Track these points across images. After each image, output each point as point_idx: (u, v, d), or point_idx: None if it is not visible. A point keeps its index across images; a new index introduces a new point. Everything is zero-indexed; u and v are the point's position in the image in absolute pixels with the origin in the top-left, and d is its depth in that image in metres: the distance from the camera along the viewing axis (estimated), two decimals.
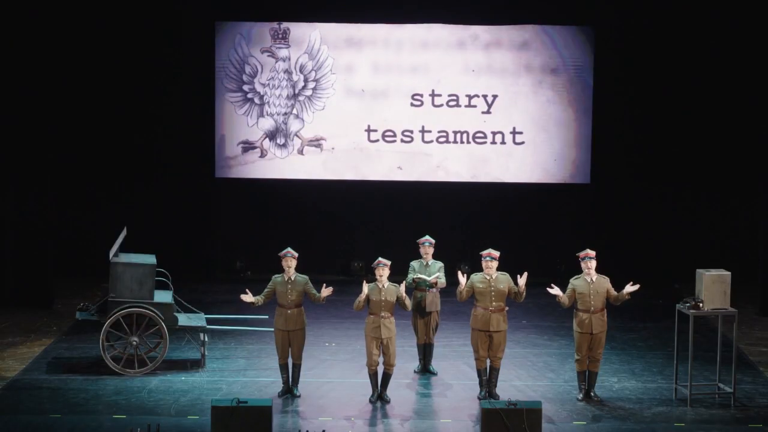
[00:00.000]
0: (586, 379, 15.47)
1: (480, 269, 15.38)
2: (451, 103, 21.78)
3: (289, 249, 15.64)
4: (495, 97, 21.74)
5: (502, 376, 15.68)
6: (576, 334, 15.38)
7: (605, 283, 15.35)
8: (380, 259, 15.35)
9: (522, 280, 15.19)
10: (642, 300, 20.27)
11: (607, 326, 15.42)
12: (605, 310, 15.35)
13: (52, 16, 20.20)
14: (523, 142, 21.80)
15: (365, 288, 15.11)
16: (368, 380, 15.40)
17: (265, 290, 15.65)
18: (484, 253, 15.33)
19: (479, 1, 21.53)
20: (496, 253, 15.31)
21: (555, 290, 15.31)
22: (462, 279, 15.21)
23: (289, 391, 15.52)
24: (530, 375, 16.54)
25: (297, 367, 15.58)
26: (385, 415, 14.85)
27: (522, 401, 13.43)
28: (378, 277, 15.21)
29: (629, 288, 15.21)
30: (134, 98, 21.57)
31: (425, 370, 16.52)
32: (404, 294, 15.21)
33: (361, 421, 14.62)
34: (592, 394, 15.45)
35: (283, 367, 15.57)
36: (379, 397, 15.31)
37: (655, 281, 21.13)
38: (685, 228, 21.98)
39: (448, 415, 14.88)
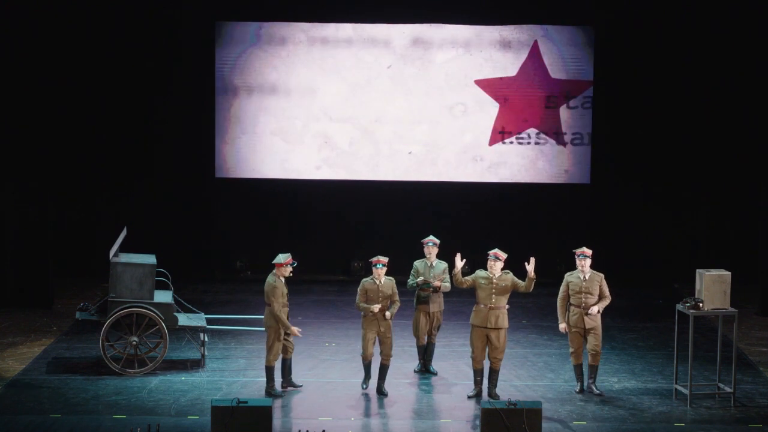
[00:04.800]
0: (587, 372, 15.50)
1: (480, 267, 15.38)
2: (454, 104, 21.83)
3: (289, 256, 15.61)
4: (494, 98, 21.77)
5: (502, 376, 15.68)
6: (570, 330, 15.49)
7: (598, 279, 15.39)
8: (378, 257, 15.41)
9: (530, 266, 15.13)
10: (642, 300, 20.35)
11: (604, 324, 15.46)
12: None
13: (52, 16, 20.21)
14: (522, 143, 21.80)
15: (375, 308, 15.20)
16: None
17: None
18: (491, 252, 15.32)
19: (482, 2, 21.55)
20: (503, 255, 15.23)
21: (530, 266, 15.06)
22: (459, 262, 15.16)
23: (290, 384, 15.59)
24: (530, 375, 16.54)
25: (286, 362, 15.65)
26: (385, 415, 14.85)
27: (522, 401, 13.41)
28: (375, 274, 15.28)
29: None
30: (134, 98, 21.56)
31: (425, 369, 16.52)
32: (391, 313, 15.35)
33: (361, 421, 14.62)
34: (594, 388, 15.48)
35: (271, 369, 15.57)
36: (378, 390, 15.34)
37: (655, 281, 21.14)
38: (685, 228, 21.98)
39: (448, 415, 14.88)
